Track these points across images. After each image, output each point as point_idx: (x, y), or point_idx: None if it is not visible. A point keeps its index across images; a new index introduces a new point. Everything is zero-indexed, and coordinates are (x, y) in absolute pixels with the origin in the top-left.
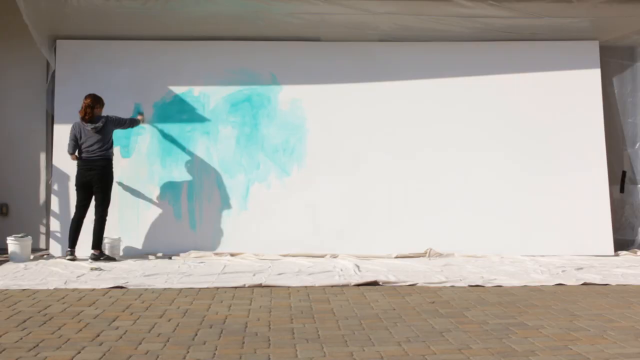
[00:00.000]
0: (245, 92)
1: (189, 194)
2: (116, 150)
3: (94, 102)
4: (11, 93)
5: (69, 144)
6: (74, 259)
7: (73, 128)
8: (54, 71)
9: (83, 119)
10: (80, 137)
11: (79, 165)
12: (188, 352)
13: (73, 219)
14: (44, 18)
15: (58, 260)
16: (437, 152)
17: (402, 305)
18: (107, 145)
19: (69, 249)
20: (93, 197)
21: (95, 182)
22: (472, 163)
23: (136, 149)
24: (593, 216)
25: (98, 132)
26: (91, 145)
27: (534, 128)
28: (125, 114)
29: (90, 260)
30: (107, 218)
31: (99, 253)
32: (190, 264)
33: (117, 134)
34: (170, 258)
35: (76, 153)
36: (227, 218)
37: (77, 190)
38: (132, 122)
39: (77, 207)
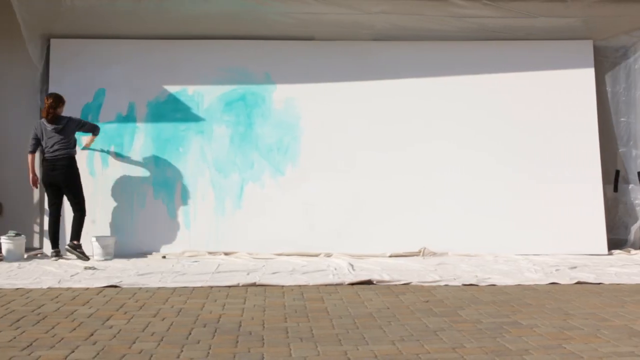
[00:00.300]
0: (240, 91)
1: (183, 193)
2: (111, 149)
3: (56, 102)
4: (4, 92)
5: (30, 143)
6: (59, 258)
7: (35, 128)
8: (47, 70)
9: (46, 118)
10: (42, 137)
11: (42, 166)
12: (182, 351)
13: (49, 221)
14: (38, 17)
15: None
16: (432, 151)
17: (396, 304)
18: (69, 144)
19: (52, 250)
20: (64, 197)
21: (62, 181)
22: (466, 162)
23: (130, 148)
24: (587, 215)
25: (59, 132)
26: (52, 145)
27: (527, 127)
28: (120, 112)
29: (67, 247)
30: (100, 217)
31: (77, 243)
32: (184, 263)
33: (111, 132)
34: (164, 257)
35: (36, 152)
36: (221, 217)
37: (45, 190)
38: (93, 128)
39: (49, 207)
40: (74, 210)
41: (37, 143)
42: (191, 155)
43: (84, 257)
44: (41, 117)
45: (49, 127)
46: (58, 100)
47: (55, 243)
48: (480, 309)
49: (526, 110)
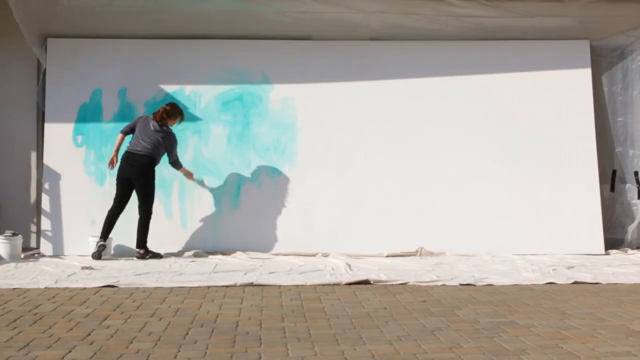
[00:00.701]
0: (237, 90)
1: (180, 193)
2: (108, 149)
3: (172, 111)
4: (2, 91)
5: (126, 125)
6: (102, 250)
7: (139, 117)
8: (45, 70)
9: (154, 119)
10: (140, 130)
11: (122, 159)
12: (179, 351)
13: (109, 212)
14: (35, 17)
15: (49, 259)
16: (429, 151)
17: (393, 304)
18: (158, 151)
19: (100, 239)
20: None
21: (136, 178)
22: (463, 162)
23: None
24: (584, 215)
25: (157, 136)
26: (143, 142)
27: (524, 127)
28: (117, 112)
29: (136, 257)
30: (100, 217)
31: (143, 252)
32: (181, 263)
33: (108, 132)
34: (160, 257)
35: (124, 137)
36: (218, 217)
37: (116, 185)
38: (176, 163)
39: (114, 202)
40: (141, 212)
41: (132, 130)
42: (188, 155)
43: (157, 256)
44: (149, 116)
45: (152, 126)
46: (175, 112)
47: (105, 235)
48: (478, 309)
49: (523, 110)
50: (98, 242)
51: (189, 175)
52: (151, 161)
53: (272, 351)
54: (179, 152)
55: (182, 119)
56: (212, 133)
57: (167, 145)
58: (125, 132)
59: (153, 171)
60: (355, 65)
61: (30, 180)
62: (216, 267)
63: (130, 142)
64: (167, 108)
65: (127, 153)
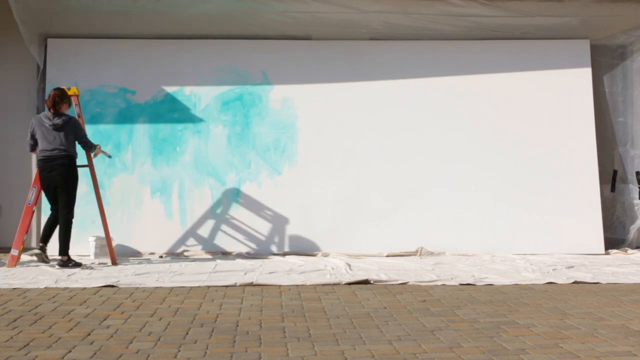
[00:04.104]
0: (237, 90)
1: (180, 192)
2: (108, 149)
3: (62, 96)
4: (1, 92)
5: (27, 142)
6: (41, 256)
7: (31, 124)
8: (43, 70)
9: (49, 108)
10: (38, 134)
11: (38, 167)
12: (179, 351)
13: (48, 221)
14: (35, 17)
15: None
16: (429, 151)
17: (393, 304)
18: (68, 144)
19: (40, 244)
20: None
21: (58, 182)
22: (463, 162)
23: (127, 148)
24: (584, 215)
25: (58, 130)
26: (51, 143)
27: (525, 127)
28: (117, 112)
29: (57, 266)
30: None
31: (66, 260)
32: (181, 263)
33: (108, 132)
34: (161, 257)
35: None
36: (218, 217)
37: (45, 194)
38: (88, 145)
39: (51, 209)
40: (62, 216)
41: (35, 141)
42: (188, 155)
43: (77, 266)
44: (40, 112)
45: (48, 123)
46: (65, 95)
47: (44, 240)
48: (478, 309)
49: (524, 110)
50: (39, 245)
51: (105, 153)
52: (68, 159)
53: (272, 351)
54: (179, 152)
55: (70, 105)
56: (212, 133)
57: (70, 131)
58: (33, 147)
59: (75, 170)
60: (355, 65)
61: (30, 181)
62: (216, 267)
63: (39, 150)
64: (57, 92)
65: (40, 161)
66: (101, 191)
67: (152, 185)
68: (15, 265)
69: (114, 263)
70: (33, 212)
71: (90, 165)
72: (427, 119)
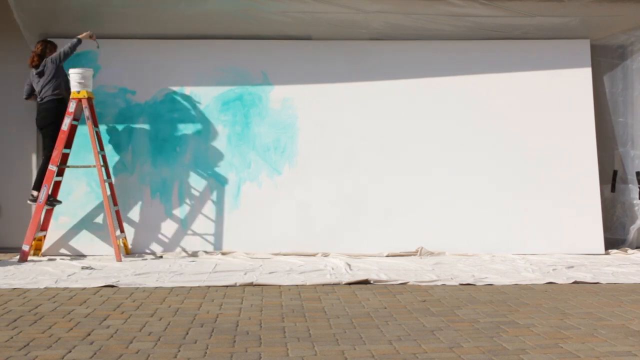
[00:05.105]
0: (237, 91)
1: (180, 192)
2: (108, 149)
3: (40, 51)
4: (1, 92)
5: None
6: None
7: (27, 81)
8: None
9: (32, 66)
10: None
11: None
12: (179, 351)
13: (41, 166)
14: (35, 17)
15: (49, 259)
16: (429, 151)
17: (393, 304)
18: (52, 86)
19: (33, 190)
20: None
21: (41, 125)
22: (463, 162)
23: (127, 148)
24: (584, 215)
25: (40, 75)
26: (40, 92)
27: (525, 127)
28: (117, 112)
29: (29, 201)
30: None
31: (36, 195)
32: (181, 263)
33: (108, 132)
34: (161, 257)
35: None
36: (218, 217)
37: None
38: (70, 48)
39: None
40: (46, 154)
41: (32, 89)
42: (188, 155)
43: (56, 202)
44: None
45: (36, 78)
46: (41, 47)
47: (37, 186)
48: (478, 309)
49: (523, 110)
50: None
51: (87, 36)
52: (51, 103)
53: (272, 351)
54: (179, 152)
55: (51, 46)
56: (212, 133)
57: (49, 68)
58: (29, 95)
59: (56, 115)
60: (355, 65)
61: (30, 181)
62: (216, 267)
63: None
64: (35, 50)
65: (38, 105)
66: (101, 192)
67: (152, 185)
68: (27, 260)
69: (119, 260)
70: (43, 209)
71: (97, 166)
72: (427, 119)
